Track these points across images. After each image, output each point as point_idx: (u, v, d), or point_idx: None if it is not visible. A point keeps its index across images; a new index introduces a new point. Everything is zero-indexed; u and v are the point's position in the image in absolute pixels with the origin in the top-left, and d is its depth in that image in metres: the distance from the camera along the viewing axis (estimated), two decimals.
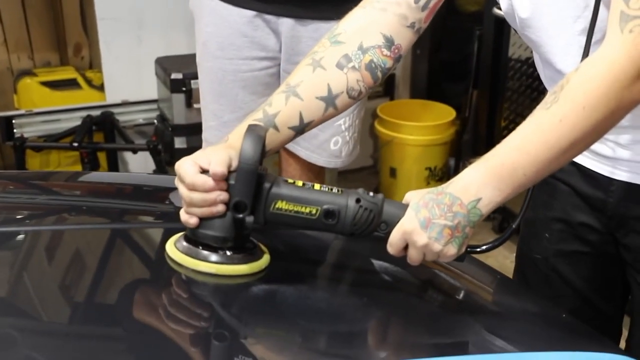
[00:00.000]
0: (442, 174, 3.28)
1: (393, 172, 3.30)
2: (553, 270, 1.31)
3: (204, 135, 1.89)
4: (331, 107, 1.13)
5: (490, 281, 1.29)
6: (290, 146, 1.83)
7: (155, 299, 0.99)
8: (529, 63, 2.84)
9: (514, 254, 2.99)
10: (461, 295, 1.20)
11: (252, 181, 0.97)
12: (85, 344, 0.87)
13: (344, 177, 3.45)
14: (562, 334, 1.12)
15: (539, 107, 0.96)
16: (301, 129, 1.12)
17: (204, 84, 1.84)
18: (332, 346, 0.97)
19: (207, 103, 1.84)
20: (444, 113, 3.31)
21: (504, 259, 2.92)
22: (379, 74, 1.14)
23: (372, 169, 3.61)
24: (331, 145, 1.81)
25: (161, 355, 0.85)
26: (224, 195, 0.98)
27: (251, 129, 1.00)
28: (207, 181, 0.98)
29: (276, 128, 1.09)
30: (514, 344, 1.05)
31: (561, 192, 1.28)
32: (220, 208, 0.99)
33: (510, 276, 1.33)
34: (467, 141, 3.26)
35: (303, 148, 1.81)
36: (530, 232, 1.36)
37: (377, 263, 1.17)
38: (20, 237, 1.12)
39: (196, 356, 0.87)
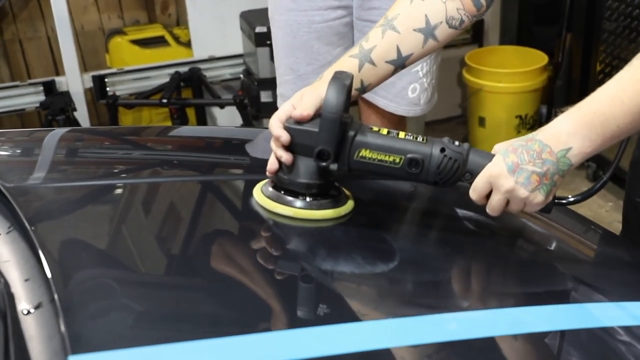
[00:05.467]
0: (533, 122, 3.19)
1: (482, 122, 3.22)
2: None
3: (279, 90, 1.89)
4: (430, 38, 1.11)
5: (581, 230, 1.25)
6: (369, 96, 1.80)
7: (245, 244, 1.02)
8: (627, 2, 2.69)
9: (610, 203, 2.91)
10: (551, 244, 1.17)
11: (335, 130, 0.97)
12: (183, 286, 0.90)
13: (432, 127, 3.41)
14: None
15: (637, 56, 0.91)
16: (401, 62, 1.11)
17: (277, 38, 1.83)
18: (416, 293, 0.96)
19: (281, 57, 1.83)
20: (536, 58, 3.20)
21: (598, 208, 2.83)
22: (483, 1, 1.11)
23: (460, 119, 3.54)
24: (409, 92, 1.77)
25: (253, 298, 0.88)
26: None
27: (336, 76, 0.99)
28: (282, 135, 1.00)
29: (372, 63, 1.09)
30: (606, 293, 1.02)
31: None
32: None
33: (604, 225, 1.28)
34: (560, 87, 3.14)
35: (381, 97, 1.79)
36: (633, 173, 1.30)
37: (463, 212, 1.15)
38: (117, 189, 1.16)
39: (285, 297, 0.89)
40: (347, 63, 1.09)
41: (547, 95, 3.22)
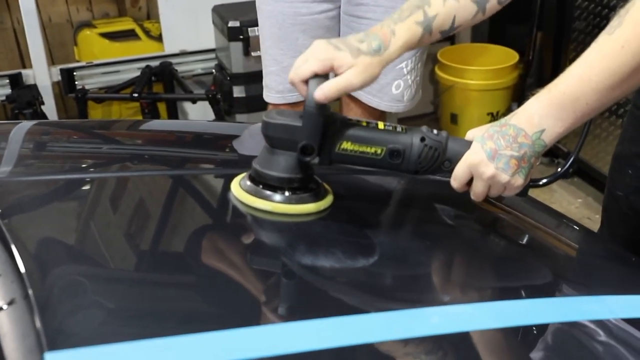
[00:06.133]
0: None
1: (454, 118, 3.24)
2: (632, 209, 1.27)
3: (265, 81, 1.87)
4: (481, 12, 1.12)
5: (556, 225, 1.25)
6: None
7: (223, 239, 1.01)
8: (597, 1, 2.72)
9: (579, 200, 2.95)
10: (528, 238, 1.18)
11: (318, 125, 0.96)
12: (161, 281, 0.89)
13: (404, 124, 3.40)
14: (633, 278, 1.08)
15: (603, 32, 0.93)
16: (448, 33, 1.11)
17: (263, 29, 1.81)
18: (395, 287, 0.96)
19: (267, 48, 1.82)
20: (507, 56, 3.22)
21: (568, 205, 2.87)
22: None
23: (432, 116, 3.55)
24: (393, 89, 1.77)
25: (231, 292, 0.86)
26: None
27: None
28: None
29: (430, 32, 1.08)
30: (581, 287, 1.03)
31: None
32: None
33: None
34: (530, 85, 3.17)
35: (364, 92, 1.78)
36: (615, 167, 1.32)
37: (442, 206, 1.16)
38: (91, 183, 1.14)
39: (263, 292, 0.88)
40: (413, 31, 1.06)
41: (518, 93, 3.25)
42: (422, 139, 0.99)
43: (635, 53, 0.89)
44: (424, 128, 1.00)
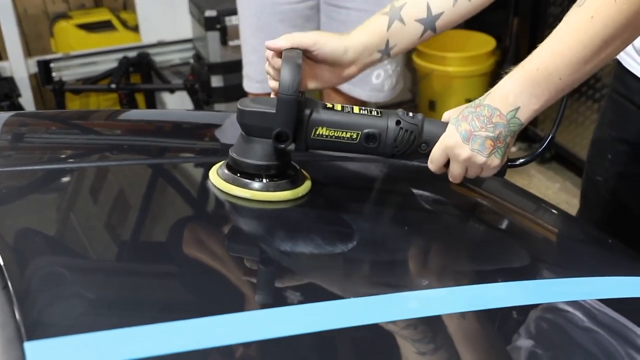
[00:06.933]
0: None
1: (432, 105, 3.25)
2: (612, 193, 1.28)
3: (245, 70, 1.87)
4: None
5: (535, 209, 1.27)
6: None
7: (202, 227, 1.00)
8: None
9: (557, 184, 2.97)
10: (505, 222, 1.19)
11: (292, 111, 0.96)
12: (140, 270, 0.89)
13: None
14: (609, 259, 1.10)
15: (574, 5, 0.92)
16: (431, 23, 1.08)
17: (243, 18, 1.81)
18: (376, 273, 0.97)
19: (246, 37, 1.82)
20: (484, 43, 3.23)
21: (546, 190, 2.89)
22: None
23: (410, 103, 3.56)
24: (373, 78, 1.78)
25: (211, 280, 0.87)
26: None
27: (288, 56, 0.98)
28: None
29: (402, 21, 1.06)
30: (559, 270, 1.04)
31: (628, 111, 1.23)
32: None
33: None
34: (508, 71, 3.18)
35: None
36: (594, 152, 1.32)
37: (420, 191, 1.16)
38: (66, 174, 1.13)
39: (243, 279, 0.89)
40: (377, 20, 1.07)
41: (495, 79, 3.25)
42: (398, 122, 0.99)
43: (606, 23, 0.88)
44: (400, 111, 1.01)
